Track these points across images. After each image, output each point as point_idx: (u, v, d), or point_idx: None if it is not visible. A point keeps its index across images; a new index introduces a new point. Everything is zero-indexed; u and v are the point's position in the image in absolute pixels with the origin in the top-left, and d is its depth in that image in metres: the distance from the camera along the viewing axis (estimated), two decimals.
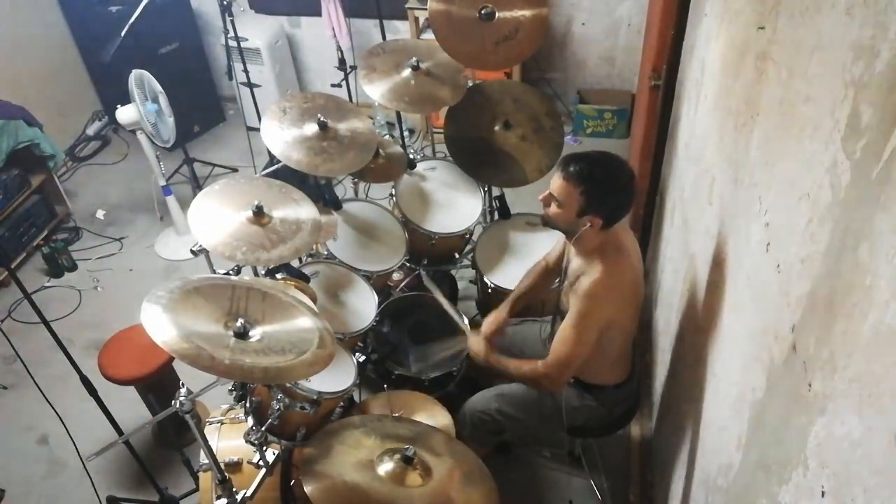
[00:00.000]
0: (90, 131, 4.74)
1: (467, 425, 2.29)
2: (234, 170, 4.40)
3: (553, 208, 1.89)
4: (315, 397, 2.03)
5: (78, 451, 2.10)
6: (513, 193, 2.89)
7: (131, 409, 2.73)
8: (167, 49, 4.37)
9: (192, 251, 2.09)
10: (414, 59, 2.67)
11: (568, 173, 1.82)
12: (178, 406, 1.74)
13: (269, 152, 2.40)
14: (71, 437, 2.11)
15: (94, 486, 2.27)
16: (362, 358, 2.32)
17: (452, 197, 2.86)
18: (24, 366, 2.10)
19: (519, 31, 2.66)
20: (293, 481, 2.20)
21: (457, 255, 2.86)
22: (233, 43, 3.68)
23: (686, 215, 2.32)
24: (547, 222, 1.96)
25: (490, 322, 2.28)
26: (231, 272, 2.19)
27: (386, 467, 1.72)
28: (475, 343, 2.21)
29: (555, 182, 1.87)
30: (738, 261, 1.55)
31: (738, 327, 1.50)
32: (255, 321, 1.65)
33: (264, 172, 2.51)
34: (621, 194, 1.85)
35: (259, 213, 2.04)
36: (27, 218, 3.83)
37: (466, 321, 2.38)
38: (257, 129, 2.54)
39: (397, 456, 1.74)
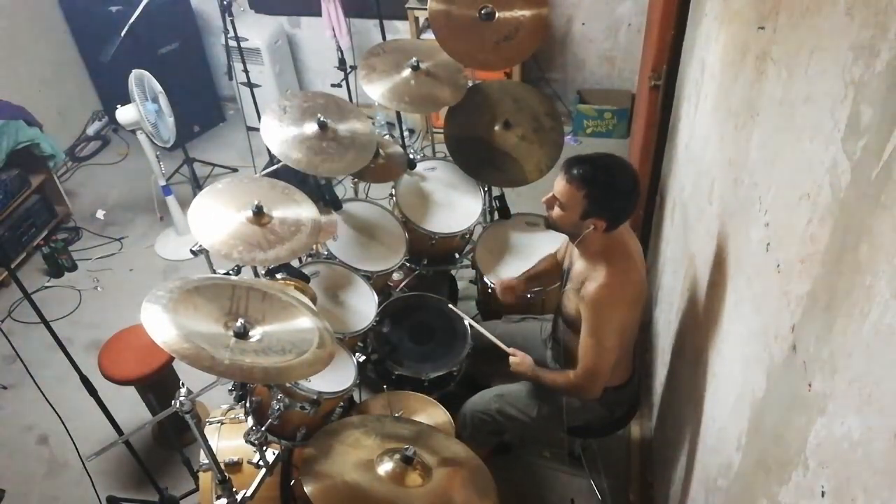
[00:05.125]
0: (90, 131, 4.74)
1: (467, 426, 2.28)
2: (234, 170, 4.39)
3: (557, 211, 1.89)
4: (315, 397, 2.03)
5: (78, 451, 2.10)
6: (513, 193, 2.89)
7: (131, 409, 2.73)
8: (167, 49, 4.36)
9: (192, 251, 2.09)
10: (414, 59, 2.66)
11: (571, 176, 1.82)
12: (178, 406, 1.74)
13: (269, 152, 2.40)
14: (71, 437, 2.11)
15: (94, 486, 2.27)
16: (362, 358, 2.32)
17: (452, 197, 2.85)
18: (24, 366, 2.11)
19: (519, 31, 2.65)
20: (293, 481, 2.20)
21: (457, 255, 2.86)
22: (233, 43, 3.67)
23: (686, 215, 2.32)
24: (551, 225, 1.96)
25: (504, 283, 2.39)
26: (231, 272, 2.19)
27: (386, 467, 1.72)
28: (517, 364, 2.16)
29: (558, 184, 1.87)
30: (738, 261, 1.55)
31: (738, 327, 1.50)
32: (255, 321, 1.65)
33: (264, 172, 2.51)
34: (625, 197, 1.85)
35: (259, 214, 2.04)
36: (27, 218, 3.83)
37: (504, 346, 2.26)
38: (257, 129, 2.54)
39: (397, 456, 1.74)
